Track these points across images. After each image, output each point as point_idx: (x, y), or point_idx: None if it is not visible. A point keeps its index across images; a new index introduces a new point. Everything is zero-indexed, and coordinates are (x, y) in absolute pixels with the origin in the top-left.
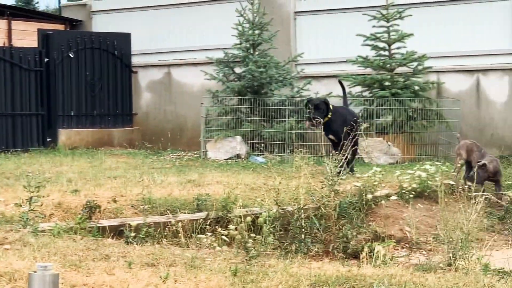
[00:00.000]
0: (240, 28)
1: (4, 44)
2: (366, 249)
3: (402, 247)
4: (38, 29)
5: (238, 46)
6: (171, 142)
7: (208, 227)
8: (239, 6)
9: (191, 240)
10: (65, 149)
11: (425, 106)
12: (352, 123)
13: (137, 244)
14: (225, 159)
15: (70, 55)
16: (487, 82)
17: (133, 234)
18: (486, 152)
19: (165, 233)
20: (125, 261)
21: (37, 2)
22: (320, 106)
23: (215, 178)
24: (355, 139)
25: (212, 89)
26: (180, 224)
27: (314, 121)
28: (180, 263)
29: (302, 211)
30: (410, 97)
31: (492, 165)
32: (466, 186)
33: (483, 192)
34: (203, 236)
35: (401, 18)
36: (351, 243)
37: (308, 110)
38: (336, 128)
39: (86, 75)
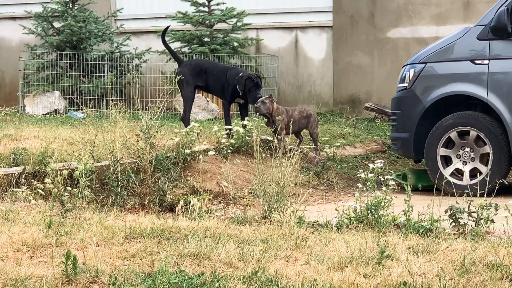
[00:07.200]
0: None
1: None
2: (181, 202)
3: (220, 202)
4: None
5: (57, 0)
6: None
7: (24, 181)
8: None
9: (6, 194)
10: None
11: (243, 63)
12: None
13: None
14: (43, 114)
15: None
16: (305, 39)
17: None
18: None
19: None
20: None
21: None
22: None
23: (33, 132)
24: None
25: (31, 43)
26: None
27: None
28: None
29: (119, 164)
30: (229, 53)
31: (267, 104)
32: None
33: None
34: (19, 189)
35: None
36: (167, 196)
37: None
38: None
39: None
